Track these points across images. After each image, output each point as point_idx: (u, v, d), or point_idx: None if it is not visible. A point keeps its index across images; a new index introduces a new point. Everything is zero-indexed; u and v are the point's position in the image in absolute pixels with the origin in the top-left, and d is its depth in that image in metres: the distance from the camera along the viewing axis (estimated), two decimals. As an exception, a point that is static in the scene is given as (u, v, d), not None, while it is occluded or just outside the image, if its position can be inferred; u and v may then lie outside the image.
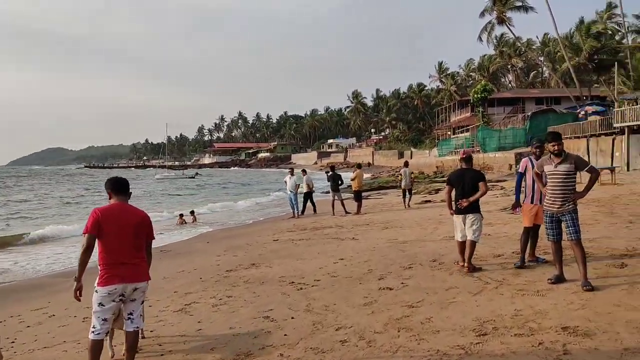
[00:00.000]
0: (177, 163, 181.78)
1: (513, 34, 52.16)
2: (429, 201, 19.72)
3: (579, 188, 5.93)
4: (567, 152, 5.95)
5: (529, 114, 44.78)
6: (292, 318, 5.62)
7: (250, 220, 19.79)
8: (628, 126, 27.53)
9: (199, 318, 5.98)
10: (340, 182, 17.86)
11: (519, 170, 7.23)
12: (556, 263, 6.06)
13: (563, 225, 5.86)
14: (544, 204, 6.06)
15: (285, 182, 18.76)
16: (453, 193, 7.49)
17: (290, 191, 18.30)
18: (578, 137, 32.78)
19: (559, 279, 5.95)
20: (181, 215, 19.27)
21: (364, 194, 26.56)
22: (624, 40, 52.95)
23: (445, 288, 6.24)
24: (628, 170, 25.53)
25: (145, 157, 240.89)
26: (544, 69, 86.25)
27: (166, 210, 24.35)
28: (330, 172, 18.11)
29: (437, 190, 25.88)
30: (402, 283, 6.69)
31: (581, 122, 33.50)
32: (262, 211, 23.82)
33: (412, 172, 21.01)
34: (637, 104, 29.92)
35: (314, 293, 6.66)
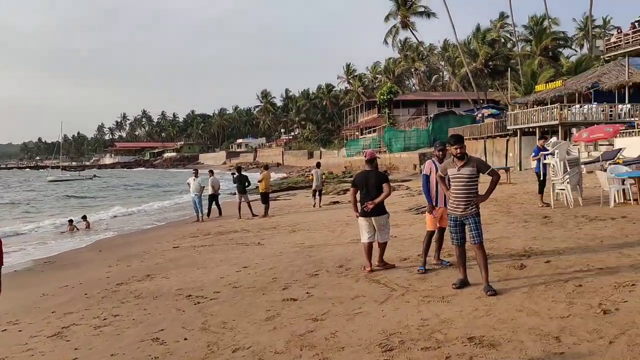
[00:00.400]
0: (74, 163, 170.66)
1: (416, 38, 54.28)
2: (337, 202, 19.71)
3: (482, 191, 5.91)
4: (469, 155, 5.90)
5: (432, 116, 46.75)
6: (185, 339, 5.06)
7: (151, 225, 18.65)
8: (520, 128, 29.40)
9: (76, 344, 5.24)
10: (247, 184, 17.32)
11: (424, 172, 7.14)
12: (460, 267, 6.00)
13: (466, 229, 5.80)
14: (448, 207, 5.98)
15: (189, 183, 17.88)
16: (359, 195, 7.33)
17: (195, 194, 17.45)
18: (476, 139, 34.59)
19: (464, 283, 5.89)
20: (70, 221, 17.72)
21: (272, 195, 26.19)
22: (515, 48, 56.90)
23: (351, 297, 5.97)
24: (520, 170, 27.22)
25: (38, 157, 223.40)
26: (445, 73, 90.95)
27: (58, 216, 22.43)
28: (237, 174, 17.49)
29: (346, 191, 26.08)
30: (307, 293, 6.35)
31: (479, 124, 35.40)
32: (163, 215, 22.63)
33: (323, 173, 21.02)
34: (528, 108, 32.11)
35: (212, 307, 6.12)
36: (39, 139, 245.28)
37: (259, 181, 17.44)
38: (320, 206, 18.32)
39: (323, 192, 20.28)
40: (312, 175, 18.93)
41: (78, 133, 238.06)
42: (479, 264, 5.71)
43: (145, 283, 7.86)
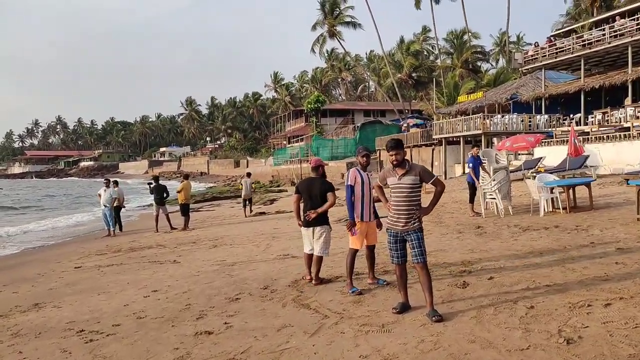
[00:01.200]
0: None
1: (343, 47, 54.58)
2: (264, 213, 18.74)
3: (424, 203, 5.25)
4: (411, 163, 5.23)
5: (359, 124, 46.93)
6: (65, 395, 3.98)
7: (54, 241, 16.77)
8: (445, 138, 29.85)
9: None
10: (165, 195, 15.99)
11: (348, 183, 6.34)
12: (400, 289, 5.30)
13: (408, 245, 5.11)
14: (387, 221, 5.27)
15: (100, 195, 16.26)
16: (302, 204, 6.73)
17: (105, 205, 15.88)
18: (402, 148, 34.81)
19: (405, 307, 5.19)
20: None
21: (196, 205, 24.79)
22: (437, 61, 58.64)
23: (277, 327, 5.09)
24: (446, 178, 27.50)
25: None
26: (371, 83, 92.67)
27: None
28: (154, 183, 16.10)
29: (272, 201, 25.17)
30: (226, 323, 5.39)
31: (404, 133, 35.73)
32: (72, 229, 20.61)
33: (252, 182, 20.34)
34: (451, 118, 32.78)
35: (107, 347, 5.02)
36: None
37: (178, 191, 16.14)
38: (251, 212, 18.26)
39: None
40: (241, 184, 18.36)
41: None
42: (423, 285, 5.03)
43: (30, 315, 6.56)
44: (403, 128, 43.03)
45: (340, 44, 54.13)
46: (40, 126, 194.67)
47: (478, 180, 12.11)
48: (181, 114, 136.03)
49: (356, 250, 6.35)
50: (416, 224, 5.08)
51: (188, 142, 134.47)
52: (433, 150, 31.67)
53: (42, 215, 28.02)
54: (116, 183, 16.66)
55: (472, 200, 12.33)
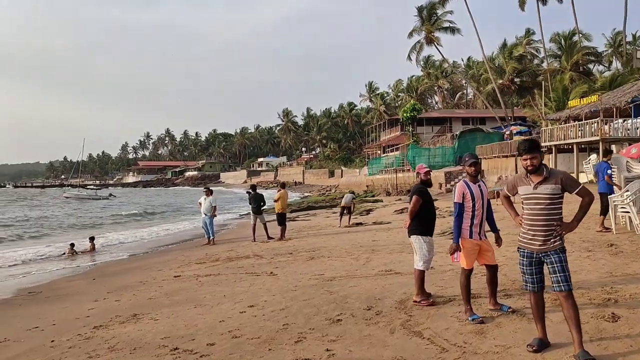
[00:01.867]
0: (97, 182, 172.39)
1: (441, 54, 52.77)
2: (361, 223, 18.08)
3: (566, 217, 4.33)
4: (550, 168, 4.34)
5: (458, 132, 44.98)
6: None
7: (158, 247, 17.25)
8: (555, 145, 27.53)
9: None
10: (262, 204, 15.89)
11: (456, 200, 5.51)
12: (537, 322, 4.39)
13: (547, 269, 4.22)
14: (520, 239, 4.40)
15: (200, 203, 16.50)
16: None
17: (205, 214, 16.07)
18: (506, 156, 32.73)
19: (543, 344, 4.28)
20: (72, 245, 16.39)
21: (291, 215, 24.76)
22: (543, 64, 55.07)
23: None
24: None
25: (63, 176, 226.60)
26: (469, 90, 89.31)
27: (64, 237, 21.28)
28: (252, 192, 16.05)
29: (369, 211, 24.48)
30: (328, 350, 4.79)
31: (508, 141, 33.55)
32: (175, 236, 21.26)
33: (354, 197, 19.92)
34: (561, 124, 30.22)
35: (200, 370, 4.61)
36: (65, 158, 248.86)
37: (275, 200, 15.94)
38: (349, 223, 17.87)
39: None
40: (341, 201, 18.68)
41: (103, 152, 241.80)
42: (568, 319, 4.10)
43: (128, 327, 6.39)
44: (506, 136, 40.58)
45: (438, 50, 52.47)
46: (151, 138, 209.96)
47: (617, 188, 10.65)
48: (278, 125, 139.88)
49: (469, 271, 5.51)
50: (557, 242, 4.17)
51: (284, 152, 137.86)
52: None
53: (154, 222, 29.45)
54: (210, 192, 16.83)
55: (604, 213, 10.83)
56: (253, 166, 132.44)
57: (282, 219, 15.65)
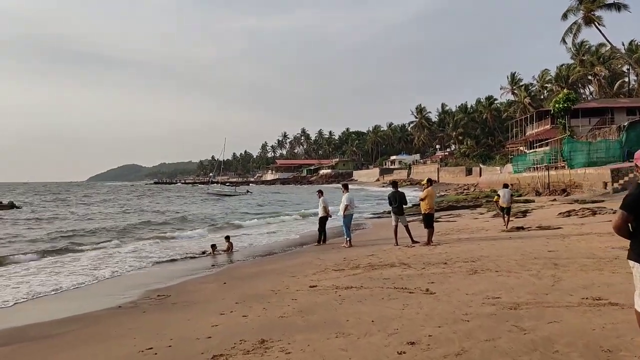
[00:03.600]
0: (240, 179, 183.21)
1: (603, 35, 46.02)
2: (522, 227, 15.37)
3: None
4: None
5: (626, 124, 38.83)
6: None
7: (292, 247, 16.17)
8: None
9: None
10: (404, 203, 14.02)
11: None
12: None
13: None
14: None
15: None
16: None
17: (340, 213, 14.65)
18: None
19: None
20: (214, 246, 15.86)
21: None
22: None
23: None
24: None
25: (211, 174, 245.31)
26: (632, 77, 78.69)
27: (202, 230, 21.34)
28: (393, 190, 14.23)
29: (525, 213, 21.36)
30: None
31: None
32: (305, 235, 20.15)
33: (512, 194, 17.60)
34: None
35: None
36: (212, 157, 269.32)
37: (422, 199, 13.95)
38: (506, 226, 15.55)
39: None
40: (499, 194, 16.01)
41: (245, 151, 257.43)
42: None
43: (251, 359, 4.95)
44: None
45: (599, 30, 45.85)
46: (288, 138, 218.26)
47: None
48: (411, 122, 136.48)
49: None
50: None
51: (417, 150, 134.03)
52: None
53: (281, 220, 29.03)
54: (320, 192, 15.49)
55: None
56: (385, 164, 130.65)
57: (429, 221, 13.61)
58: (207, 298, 8.59)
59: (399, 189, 14.31)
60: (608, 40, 50.61)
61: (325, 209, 15.33)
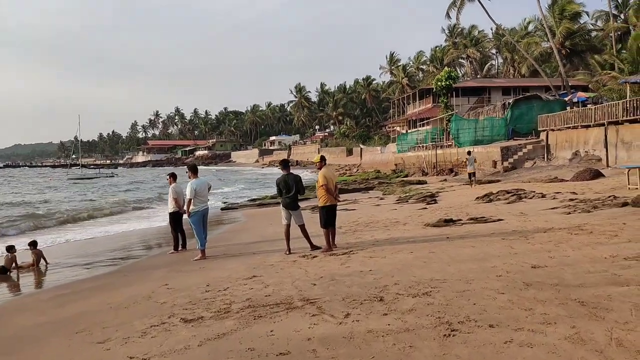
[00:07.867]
0: (107, 162, 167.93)
1: (486, 11, 45.26)
2: (452, 220, 11.60)
3: None
4: None
5: (510, 101, 38.24)
6: None
7: (138, 254, 11.07)
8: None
9: None
10: (301, 191, 9.66)
11: None
12: None
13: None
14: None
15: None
16: None
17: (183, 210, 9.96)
18: (588, 126, 26.08)
19: None
20: (10, 259, 10.32)
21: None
22: (598, 23, 48.04)
23: None
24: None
25: (74, 155, 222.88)
26: (499, 60, 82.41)
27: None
28: (283, 172, 9.74)
29: (433, 197, 18.13)
30: None
31: (592, 107, 26.81)
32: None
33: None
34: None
35: None
36: (75, 138, 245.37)
37: (321, 186, 9.63)
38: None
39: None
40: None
41: (113, 132, 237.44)
42: None
43: None
44: (572, 102, 34.09)
45: (482, 6, 44.85)
46: (161, 117, 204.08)
47: None
48: (291, 101, 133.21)
49: None
50: None
51: (297, 130, 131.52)
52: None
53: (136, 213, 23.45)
54: (174, 177, 10.84)
55: None
56: (265, 145, 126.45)
57: (327, 218, 9.40)
58: None
59: (293, 172, 9.87)
60: (490, 17, 50.37)
61: (177, 201, 10.57)
